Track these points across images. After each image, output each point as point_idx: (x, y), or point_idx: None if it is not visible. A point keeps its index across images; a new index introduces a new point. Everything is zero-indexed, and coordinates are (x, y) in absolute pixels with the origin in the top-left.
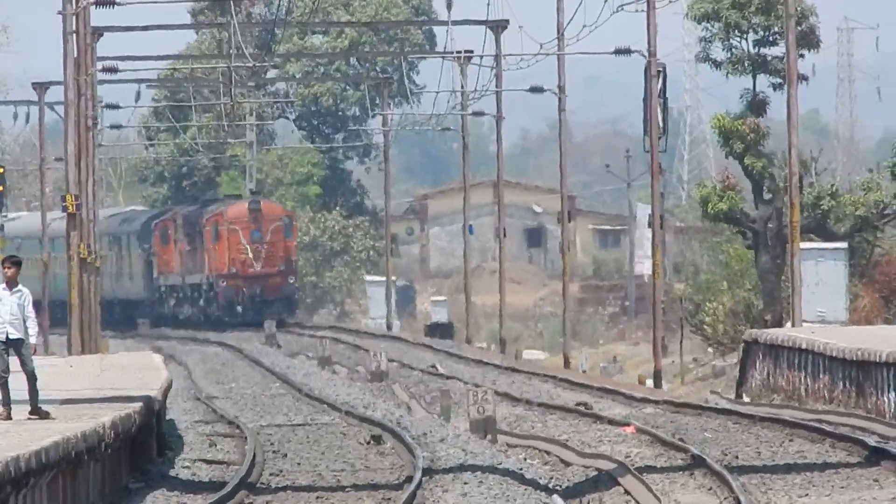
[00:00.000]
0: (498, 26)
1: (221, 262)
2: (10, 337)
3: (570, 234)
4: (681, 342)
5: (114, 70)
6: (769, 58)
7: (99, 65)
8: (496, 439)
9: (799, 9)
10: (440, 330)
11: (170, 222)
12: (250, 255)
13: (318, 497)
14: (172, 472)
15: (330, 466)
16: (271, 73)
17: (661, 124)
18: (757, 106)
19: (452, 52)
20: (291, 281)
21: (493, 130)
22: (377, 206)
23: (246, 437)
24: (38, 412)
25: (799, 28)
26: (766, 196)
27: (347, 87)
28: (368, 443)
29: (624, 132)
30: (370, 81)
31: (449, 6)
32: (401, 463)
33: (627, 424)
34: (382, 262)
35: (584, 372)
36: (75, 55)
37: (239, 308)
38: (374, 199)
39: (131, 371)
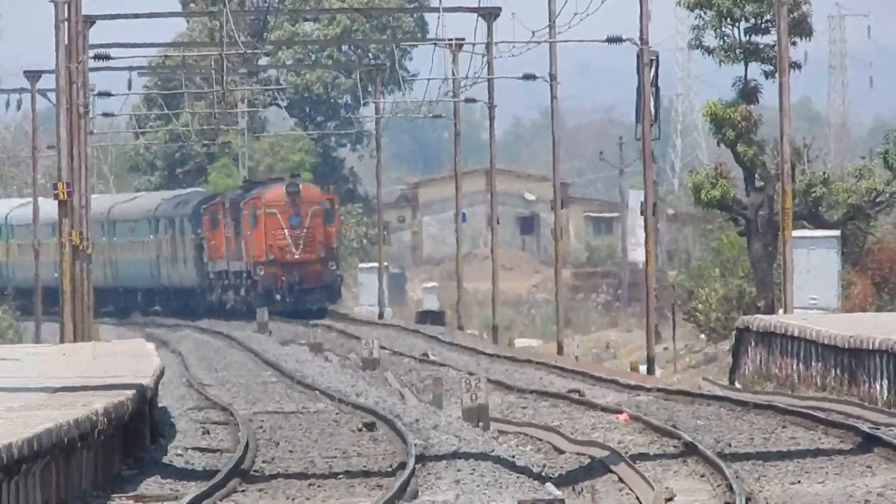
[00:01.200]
0: (490, 14)
1: (259, 248)
2: None
3: (562, 221)
4: (673, 329)
5: (106, 58)
6: (761, 46)
7: (91, 52)
8: (489, 427)
9: None
10: (432, 317)
11: (219, 206)
12: (289, 240)
13: (310, 484)
14: (165, 460)
15: (323, 454)
16: (263, 61)
17: (653, 112)
18: (749, 94)
19: (444, 40)
20: (332, 268)
21: (485, 118)
22: (369, 193)
23: (238, 425)
24: None
25: (791, 16)
26: (759, 183)
27: (339, 75)
28: (361, 430)
29: (617, 120)
30: (362, 69)
31: None
32: (393, 450)
33: (620, 412)
34: (374, 249)
35: (577, 359)
36: (67, 43)
37: (277, 297)
38: (366, 186)
39: (124, 358)
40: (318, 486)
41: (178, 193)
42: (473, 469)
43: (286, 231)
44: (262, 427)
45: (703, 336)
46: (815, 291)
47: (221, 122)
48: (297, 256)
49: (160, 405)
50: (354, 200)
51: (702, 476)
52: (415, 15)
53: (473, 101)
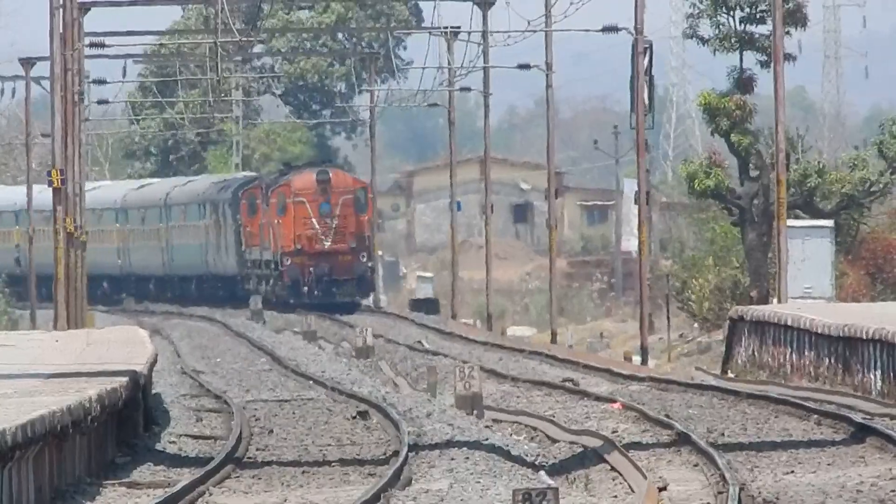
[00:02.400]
0: (485, 3)
1: (287, 237)
2: None
3: (557, 210)
4: (667, 319)
5: (101, 45)
6: (756, 35)
7: (86, 40)
8: (482, 415)
9: None
10: (425, 305)
11: (257, 190)
12: (318, 230)
13: (304, 472)
14: (159, 447)
15: (316, 441)
16: (258, 49)
17: (647, 101)
18: (744, 83)
19: (439, 28)
20: (364, 259)
21: (479, 107)
22: None
23: (232, 412)
24: None
25: (786, 5)
26: (753, 173)
27: (334, 63)
28: (354, 418)
29: (611, 109)
30: (357, 57)
31: None
32: (387, 438)
33: (614, 401)
34: None
35: (571, 348)
36: (62, 30)
37: (305, 289)
38: (361, 174)
39: (117, 345)
40: (312, 474)
41: (225, 177)
42: (467, 457)
43: (315, 220)
44: (255, 415)
45: (696, 326)
46: (809, 281)
47: (216, 109)
48: (326, 247)
49: (154, 392)
50: None
51: (695, 465)
52: (409, 3)
53: (468, 90)
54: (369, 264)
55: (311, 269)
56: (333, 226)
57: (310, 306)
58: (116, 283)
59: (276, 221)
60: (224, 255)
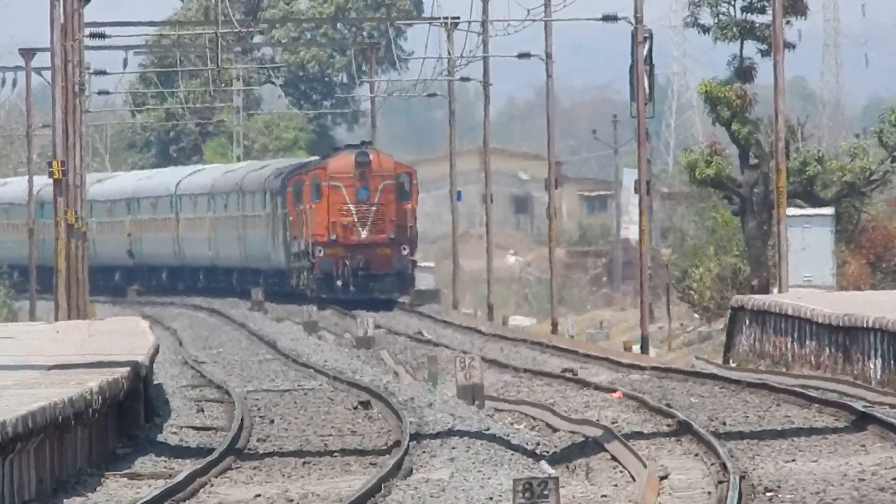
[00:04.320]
0: None
1: (321, 226)
2: None
3: (556, 200)
4: (668, 308)
5: (101, 36)
6: (757, 24)
7: (86, 31)
8: (483, 405)
9: None
10: (426, 295)
11: (305, 177)
12: (354, 218)
13: (305, 462)
14: (160, 438)
15: (318, 432)
16: (258, 39)
17: (647, 90)
18: (744, 72)
19: (439, 18)
20: (405, 252)
21: (479, 97)
22: None
23: (234, 403)
24: None
25: None
26: (753, 162)
27: (334, 53)
28: (356, 408)
29: (611, 99)
30: (357, 47)
31: None
32: (388, 428)
33: (614, 390)
34: None
35: (572, 338)
36: (62, 21)
37: (339, 283)
38: None
39: (118, 336)
40: (313, 464)
41: (287, 163)
42: (468, 447)
43: (352, 207)
44: (257, 405)
45: (696, 315)
46: (809, 270)
47: (216, 99)
48: (363, 237)
49: (155, 383)
50: None
51: (696, 455)
52: None
53: (468, 79)
54: (411, 258)
55: (345, 261)
56: (372, 214)
57: (343, 302)
58: (172, 274)
59: (309, 207)
60: (274, 247)
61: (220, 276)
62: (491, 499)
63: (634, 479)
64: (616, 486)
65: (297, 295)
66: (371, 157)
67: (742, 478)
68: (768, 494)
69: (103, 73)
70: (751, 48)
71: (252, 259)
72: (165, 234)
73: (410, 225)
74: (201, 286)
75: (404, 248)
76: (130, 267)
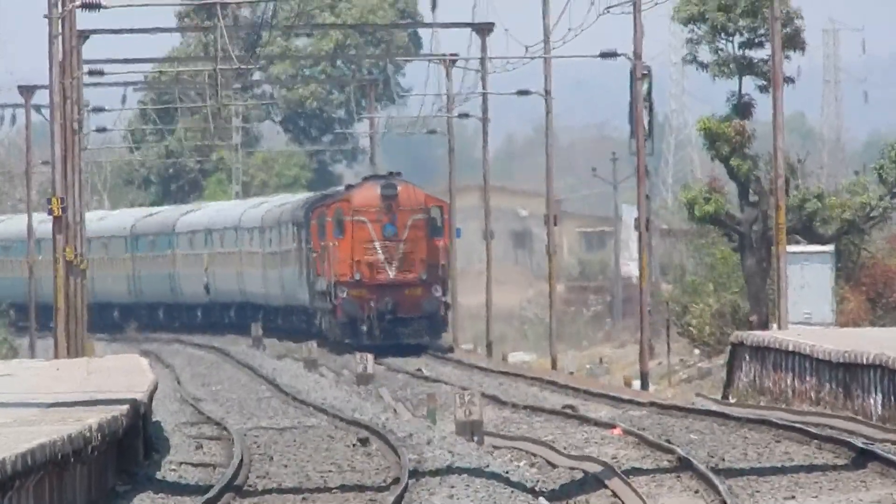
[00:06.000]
0: (483, 29)
1: (344, 264)
2: None
3: (556, 237)
4: (668, 344)
5: (100, 73)
6: (755, 60)
7: (85, 68)
8: (483, 441)
9: (785, 11)
10: None
11: (328, 210)
12: (381, 256)
13: (303, 499)
14: (159, 475)
15: (317, 468)
16: (257, 76)
17: (646, 127)
18: (743, 108)
19: (438, 55)
20: (437, 294)
21: (477, 134)
22: None
23: (233, 440)
24: None
25: (785, 30)
26: (752, 198)
27: (333, 90)
28: (355, 445)
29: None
30: (356, 83)
31: (434, 8)
32: (387, 465)
33: (614, 426)
34: None
35: (572, 374)
36: (61, 58)
37: (364, 327)
38: None
39: (118, 374)
40: (313, 501)
41: (306, 195)
42: (467, 484)
43: (377, 244)
44: (256, 442)
45: (696, 351)
46: (809, 306)
47: (215, 136)
48: (391, 277)
49: (154, 420)
50: None
51: (696, 491)
52: (408, 30)
53: (467, 116)
54: (443, 299)
55: (371, 303)
56: (400, 251)
57: (369, 348)
58: (205, 312)
59: (332, 244)
60: (295, 284)
61: (247, 312)
62: None
63: None
64: None
65: (322, 336)
66: (399, 188)
67: None
68: None
69: (102, 109)
70: (749, 84)
71: (272, 297)
72: (194, 269)
73: (443, 263)
74: (228, 322)
75: (436, 289)
76: (206, 303)
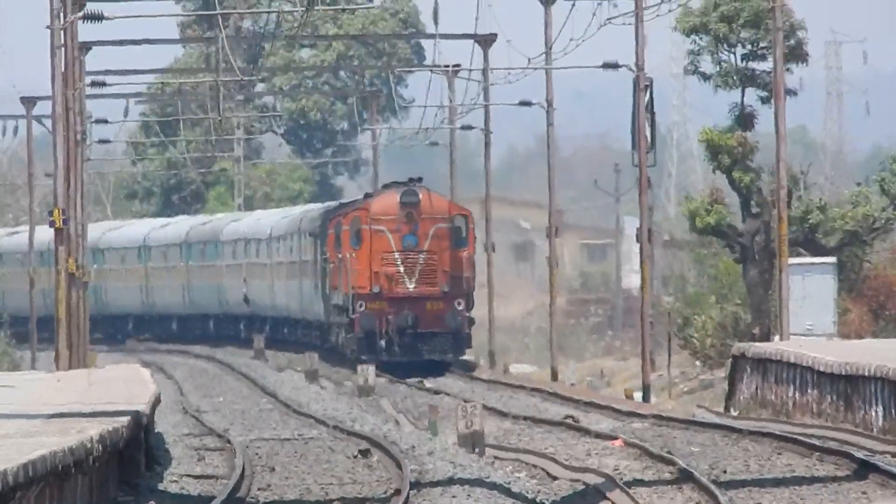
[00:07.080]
0: (486, 40)
1: (362, 276)
2: None
3: (557, 248)
4: (669, 356)
5: (102, 84)
6: (757, 71)
7: (87, 79)
8: (484, 453)
9: (787, 23)
10: None
11: (344, 219)
12: (400, 268)
13: None
14: (161, 486)
15: (318, 480)
16: (259, 87)
17: (649, 137)
18: (745, 120)
19: (440, 66)
20: (460, 307)
21: (479, 146)
22: None
23: (234, 451)
24: None
25: (787, 42)
26: (755, 210)
27: (336, 101)
28: (356, 457)
29: (610, 147)
30: (358, 95)
31: (436, 20)
32: (389, 476)
33: (615, 438)
34: None
35: (573, 385)
36: (63, 70)
37: (382, 343)
38: None
39: (119, 385)
40: None
41: (328, 205)
42: (468, 495)
43: (397, 255)
44: (258, 453)
45: (698, 363)
46: (811, 318)
47: (218, 148)
48: (410, 290)
49: (156, 431)
50: None
51: (697, 503)
52: (411, 41)
53: (469, 127)
54: (466, 313)
55: (389, 317)
56: (421, 263)
57: (388, 366)
58: (218, 324)
59: (349, 255)
60: (311, 297)
61: (255, 323)
62: None
63: None
64: None
65: (338, 352)
66: (421, 196)
67: None
68: None
69: (105, 121)
70: (751, 96)
71: (280, 309)
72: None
73: (467, 276)
74: (243, 336)
75: (459, 303)
76: (224, 315)
